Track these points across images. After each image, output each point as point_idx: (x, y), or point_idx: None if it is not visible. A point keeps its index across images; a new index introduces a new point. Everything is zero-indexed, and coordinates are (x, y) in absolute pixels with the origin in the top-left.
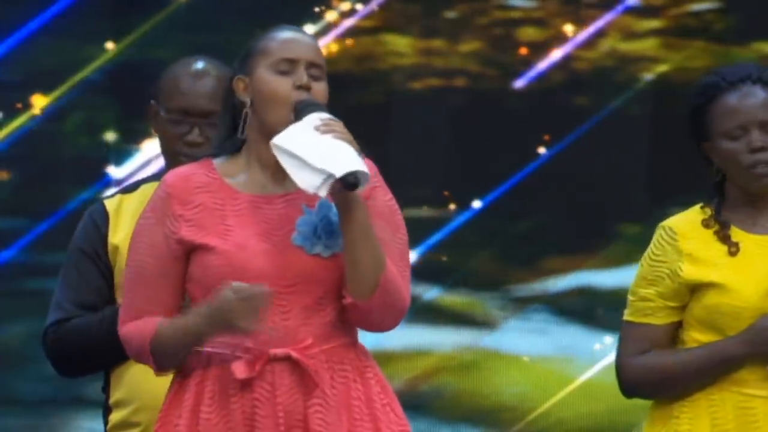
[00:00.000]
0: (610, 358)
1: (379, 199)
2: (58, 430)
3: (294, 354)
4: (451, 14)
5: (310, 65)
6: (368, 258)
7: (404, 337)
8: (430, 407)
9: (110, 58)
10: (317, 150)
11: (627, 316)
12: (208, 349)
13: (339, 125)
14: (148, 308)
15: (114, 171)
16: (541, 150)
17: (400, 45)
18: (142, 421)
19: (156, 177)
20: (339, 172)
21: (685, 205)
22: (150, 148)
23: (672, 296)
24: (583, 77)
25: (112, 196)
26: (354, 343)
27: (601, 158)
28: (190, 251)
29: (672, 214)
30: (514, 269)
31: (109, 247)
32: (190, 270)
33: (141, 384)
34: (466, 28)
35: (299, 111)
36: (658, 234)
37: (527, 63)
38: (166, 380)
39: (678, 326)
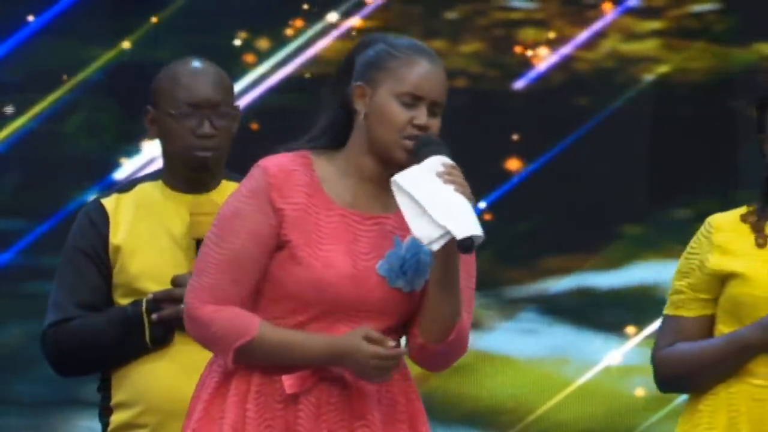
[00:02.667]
0: (608, 360)
1: None
2: (56, 430)
3: (348, 376)
4: (451, 15)
5: (434, 104)
6: (450, 306)
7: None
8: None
9: (111, 59)
10: (440, 202)
11: (665, 309)
12: None
13: (460, 175)
14: (234, 293)
15: (115, 172)
16: (542, 150)
17: None
18: (149, 423)
19: (153, 176)
20: (459, 235)
21: (686, 205)
22: (150, 149)
23: (702, 288)
24: (584, 78)
25: (108, 195)
26: (402, 367)
27: (602, 159)
28: (280, 248)
29: (672, 214)
30: (513, 270)
31: (110, 247)
32: (271, 269)
33: (148, 386)
34: (466, 28)
35: (420, 147)
36: (700, 228)
37: (528, 64)
38: (173, 382)
39: (712, 320)
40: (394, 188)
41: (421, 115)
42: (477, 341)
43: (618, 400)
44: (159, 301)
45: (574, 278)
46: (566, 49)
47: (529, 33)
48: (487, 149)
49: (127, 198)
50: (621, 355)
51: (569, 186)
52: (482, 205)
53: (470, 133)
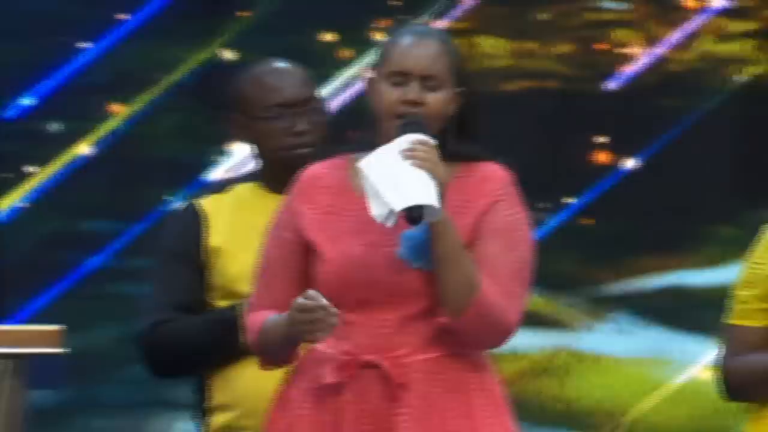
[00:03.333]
0: (702, 360)
1: (500, 214)
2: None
3: (383, 362)
4: (542, 16)
5: (425, 78)
6: (456, 279)
7: None
8: (520, 411)
9: (202, 60)
10: (390, 179)
11: (728, 318)
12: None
13: (423, 150)
14: (268, 298)
15: (205, 173)
16: (634, 152)
17: (492, 47)
18: (248, 426)
19: (248, 178)
20: (398, 207)
21: None
22: (241, 150)
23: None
24: (675, 79)
25: (203, 197)
26: (459, 355)
27: (694, 159)
28: (311, 250)
29: (765, 215)
30: (604, 271)
31: (207, 249)
32: (309, 271)
33: (248, 390)
34: (557, 30)
35: (402, 129)
36: (764, 237)
37: (619, 65)
38: (272, 385)
39: None
40: (360, 173)
41: (410, 91)
42: (571, 341)
43: (712, 401)
44: None
45: (668, 279)
46: (657, 50)
47: (620, 34)
48: (578, 150)
49: (224, 200)
50: (715, 356)
51: (661, 187)
52: (573, 206)
53: (561, 134)
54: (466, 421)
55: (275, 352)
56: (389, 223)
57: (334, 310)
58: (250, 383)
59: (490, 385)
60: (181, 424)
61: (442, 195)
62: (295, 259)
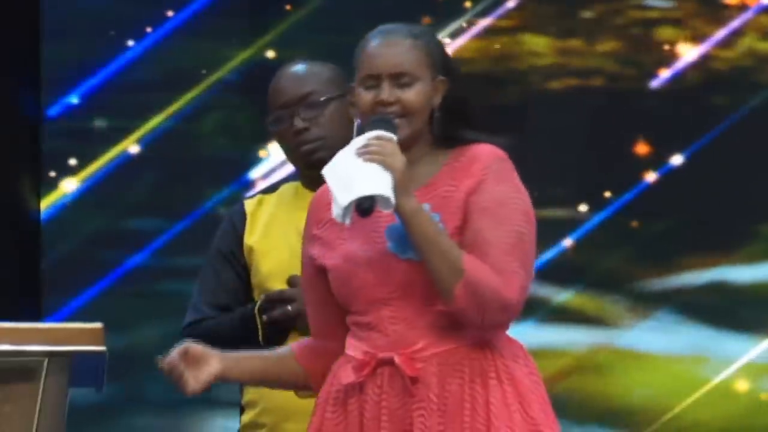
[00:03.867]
0: (746, 358)
1: (487, 191)
2: (191, 430)
3: (397, 358)
4: (588, 14)
5: (395, 76)
6: (439, 264)
7: (537, 337)
8: (563, 408)
9: (248, 58)
10: (341, 179)
11: None
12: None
13: (376, 144)
14: (313, 327)
15: (250, 171)
16: (678, 150)
17: (538, 45)
18: (267, 423)
19: (293, 177)
20: (344, 202)
21: None
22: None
23: None
24: (721, 77)
25: (253, 196)
26: (478, 345)
27: (739, 157)
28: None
29: None
30: (649, 269)
31: (245, 248)
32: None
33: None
34: (603, 27)
35: (365, 129)
36: None
37: (664, 63)
38: None
39: None
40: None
41: (381, 92)
42: (613, 339)
43: (757, 399)
44: (272, 301)
45: (711, 276)
46: (703, 48)
47: (665, 32)
48: (623, 148)
49: (269, 199)
50: (758, 354)
51: (706, 184)
52: (617, 204)
53: (607, 132)
54: (482, 412)
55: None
56: (346, 221)
57: (173, 362)
58: None
59: (513, 375)
60: (222, 422)
61: (406, 181)
62: (318, 283)
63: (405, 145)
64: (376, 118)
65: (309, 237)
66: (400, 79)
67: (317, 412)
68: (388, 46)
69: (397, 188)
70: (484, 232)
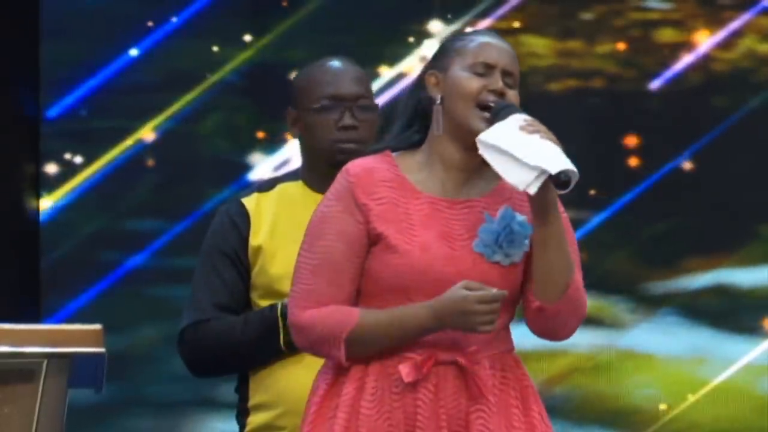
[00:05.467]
0: (746, 358)
1: (560, 209)
2: (191, 430)
3: (461, 360)
4: (588, 15)
5: (506, 73)
6: (560, 261)
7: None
8: (563, 409)
9: (247, 59)
10: (528, 147)
11: None
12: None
13: (543, 127)
14: (331, 294)
15: (250, 172)
16: (678, 150)
17: (538, 46)
18: (287, 426)
19: (292, 176)
20: (554, 169)
21: None
22: (287, 149)
23: None
24: (721, 78)
25: (249, 195)
26: (512, 351)
27: (739, 158)
28: (374, 243)
29: None
30: (651, 270)
31: (250, 248)
32: (367, 265)
33: (287, 389)
34: (603, 29)
35: (498, 112)
36: None
37: (664, 64)
38: (311, 385)
39: None
40: (480, 147)
41: (496, 81)
42: (614, 340)
43: (757, 399)
44: None
45: (713, 278)
46: (703, 49)
47: (665, 33)
48: (623, 149)
49: (268, 198)
50: (758, 355)
51: (706, 186)
52: (618, 205)
53: (607, 132)
54: (525, 418)
55: (374, 344)
56: (531, 190)
57: (505, 293)
58: (290, 383)
59: (532, 384)
60: (221, 424)
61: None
62: (362, 253)
63: None
64: (512, 105)
65: (358, 204)
66: (508, 77)
67: (343, 409)
68: (503, 45)
69: None
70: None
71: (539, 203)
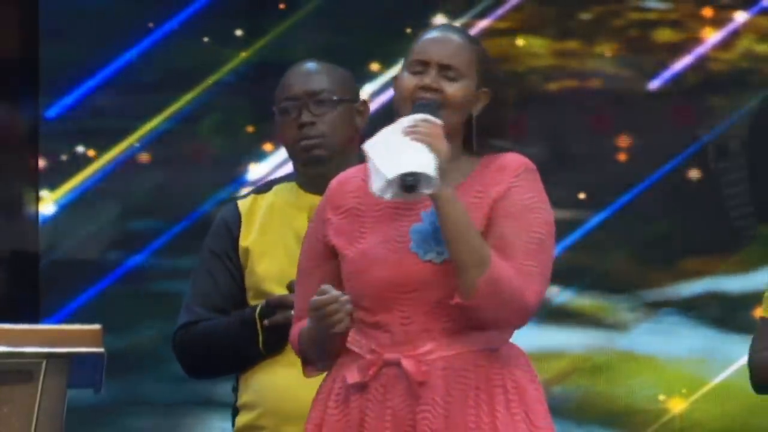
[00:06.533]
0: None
1: (514, 198)
2: (190, 430)
3: (404, 361)
4: (586, 16)
5: (444, 67)
6: (466, 256)
7: (537, 338)
8: (562, 409)
9: (245, 60)
10: (387, 153)
11: (761, 312)
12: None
13: (426, 126)
14: (304, 308)
15: (248, 173)
16: (677, 151)
17: (536, 46)
18: (267, 426)
19: (289, 177)
20: (390, 174)
21: None
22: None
23: None
24: (719, 78)
25: (246, 196)
26: (484, 351)
27: (738, 159)
28: (335, 256)
29: None
30: (649, 271)
31: (240, 250)
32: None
33: (266, 389)
34: (601, 29)
35: (412, 111)
36: None
37: (663, 64)
38: (290, 386)
39: None
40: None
41: (427, 77)
42: (613, 340)
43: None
44: (273, 306)
45: (711, 279)
46: (701, 50)
47: (664, 33)
48: (621, 149)
49: (263, 199)
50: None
51: (705, 186)
52: (617, 206)
53: (606, 133)
54: (487, 419)
55: (314, 357)
56: (387, 196)
57: (345, 298)
58: (270, 383)
59: (518, 383)
60: (219, 423)
61: (444, 170)
62: (328, 268)
63: None
64: (424, 103)
65: (322, 219)
66: (447, 71)
67: (317, 407)
68: (443, 38)
69: (439, 173)
70: (508, 235)
71: (434, 203)
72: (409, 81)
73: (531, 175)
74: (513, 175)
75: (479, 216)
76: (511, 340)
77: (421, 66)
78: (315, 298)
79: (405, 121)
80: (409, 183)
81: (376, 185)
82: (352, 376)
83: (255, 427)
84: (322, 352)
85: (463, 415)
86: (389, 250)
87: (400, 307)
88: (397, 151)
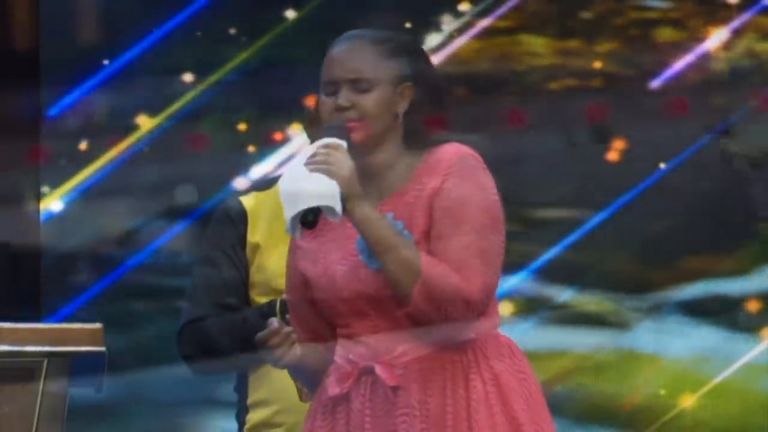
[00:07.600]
0: (746, 358)
1: (448, 191)
2: (191, 429)
3: (377, 368)
4: (587, 14)
5: (353, 81)
6: (394, 268)
7: (538, 337)
8: (563, 408)
9: (246, 59)
10: (291, 189)
11: None
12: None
13: (322, 153)
14: (300, 333)
15: (250, 171)
16: (678, 150)
17: (537, 45)
18: (285, 422)
19: None
20: (289, 215)
21: None
22: (286, 148)
23: None
24: (720, 77)
25: (247, 193)
26: (461, 346)
27: (738, 158)
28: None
29: None
30: (650, 269)
31: (248, 246)
32: None
33: (284, 386)
34: (602, 28)
35: (323, 137)
36: None
37: (664, 63)
38: None
39: None
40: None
41: (339, 98)
42: (614, 339)
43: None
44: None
45: (711, 277)
46: (702, 49)
47: (664, 32)
48: (623, 148)
49: (266, 196)
50: (758, 354)
51: (706, 185)
52: (618, 205)
53: (606, 132)
54: (465, 413)
55: (305, 384)
56: (296, 236)
57: (287, 330)
58: (286, 380)
59: (496, 374)
60: (223, 422)
61: (350, 192)
62: (311, 295)
63: (367, 150)
64: (327, 126)
65: (293, 247)
66: (357, 84)
67: (308, 421)
68: (347, 52)
69: (346, 196)
70: (444, 232)
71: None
72: (326, 104)
73: (465, 163)
74: (446, 166)
75: (421, 214)
76: (514, 338)
77: (332, 87)
78: (259, 333)
79: (310, 151)
80: (308, 220)
81: (287, 225)
82: (333, 388)
83: (271, 424)
84: (305, 380)
85: (442, 414)
86: (346, 265)
87: (367, 317)
88: (296, 189)
